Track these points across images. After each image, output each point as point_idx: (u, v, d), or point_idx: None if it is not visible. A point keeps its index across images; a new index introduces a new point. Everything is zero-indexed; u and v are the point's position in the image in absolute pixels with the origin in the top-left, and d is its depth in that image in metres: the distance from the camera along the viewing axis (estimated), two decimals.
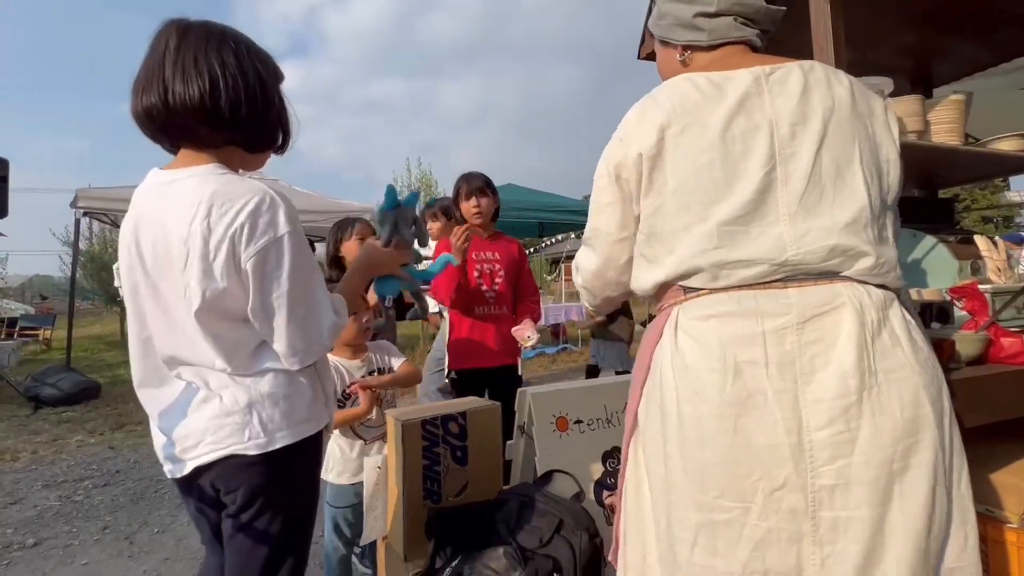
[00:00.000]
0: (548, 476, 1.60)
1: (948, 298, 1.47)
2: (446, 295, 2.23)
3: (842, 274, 0.77)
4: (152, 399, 1.00)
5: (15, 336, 10.52)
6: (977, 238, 1.67)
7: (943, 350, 1.14)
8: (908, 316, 0.79)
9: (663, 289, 0.84)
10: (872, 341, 0.72)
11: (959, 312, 1.46)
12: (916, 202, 2.12)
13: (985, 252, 1.60)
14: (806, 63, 0.83)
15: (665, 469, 0.78)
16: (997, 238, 1.66)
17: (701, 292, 0.79)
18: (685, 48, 0.91)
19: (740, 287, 0.76)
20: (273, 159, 1.08)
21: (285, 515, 0.98)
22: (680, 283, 0.81)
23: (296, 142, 1.05)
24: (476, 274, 2.30)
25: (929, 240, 1.75)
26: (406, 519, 1.52)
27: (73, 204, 6.08)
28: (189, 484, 0.98)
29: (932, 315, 1.44)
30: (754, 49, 0.88)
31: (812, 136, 0.77)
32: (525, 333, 2.22)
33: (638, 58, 1.77)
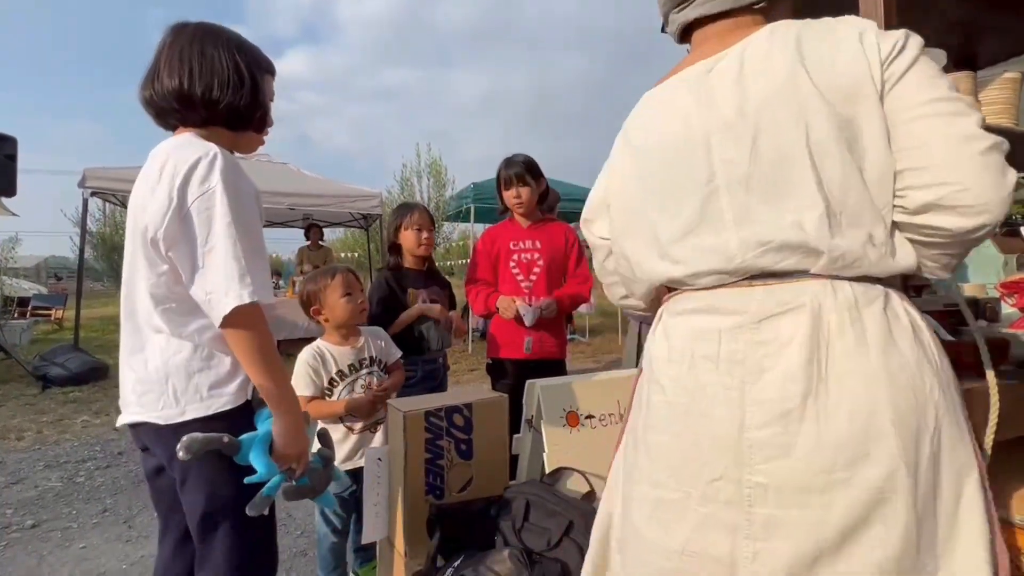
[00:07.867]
0: (557, 473, 1.52)
1: (996, 294, 1.36)
2: (478, 310, 2.28)
3: (811, 272, 0.72)
4: (123, 343, 1.13)
5: (28, 316, 10.62)
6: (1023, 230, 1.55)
7: (1000, 351, 1.03)
8: (899, 316, 0.71)
9: (656, 288, 0.90)
10: (828, 345, 0.69)
11: (1007, 309, 1.35)
12: None
13: None
14: (760, 33, 0.77)
15: (635, 452, 0.86)
16: None
17: (682, 289, 0.83)
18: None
19: (712, 287, 0.78)
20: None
21: (205, 488, 1.03)
22: (670, 281, 0.85)
23: (273, 124, 1.21)
24: (512, 265, 2.21)
25: None
26: (407, 515, 1.44)
27: (81, 184, 6.04)
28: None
29: (978, 312, 1.33)
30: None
31: (747, 132, 0.74)
32: (516, 303, 2.12)
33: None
